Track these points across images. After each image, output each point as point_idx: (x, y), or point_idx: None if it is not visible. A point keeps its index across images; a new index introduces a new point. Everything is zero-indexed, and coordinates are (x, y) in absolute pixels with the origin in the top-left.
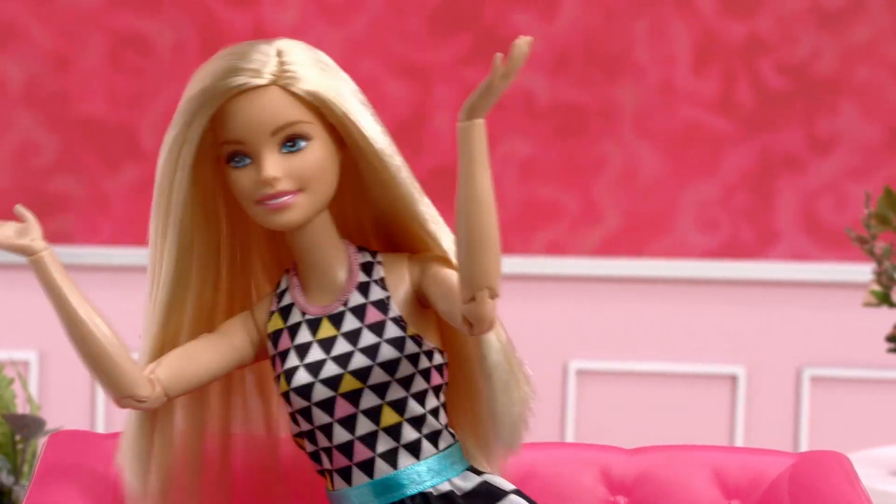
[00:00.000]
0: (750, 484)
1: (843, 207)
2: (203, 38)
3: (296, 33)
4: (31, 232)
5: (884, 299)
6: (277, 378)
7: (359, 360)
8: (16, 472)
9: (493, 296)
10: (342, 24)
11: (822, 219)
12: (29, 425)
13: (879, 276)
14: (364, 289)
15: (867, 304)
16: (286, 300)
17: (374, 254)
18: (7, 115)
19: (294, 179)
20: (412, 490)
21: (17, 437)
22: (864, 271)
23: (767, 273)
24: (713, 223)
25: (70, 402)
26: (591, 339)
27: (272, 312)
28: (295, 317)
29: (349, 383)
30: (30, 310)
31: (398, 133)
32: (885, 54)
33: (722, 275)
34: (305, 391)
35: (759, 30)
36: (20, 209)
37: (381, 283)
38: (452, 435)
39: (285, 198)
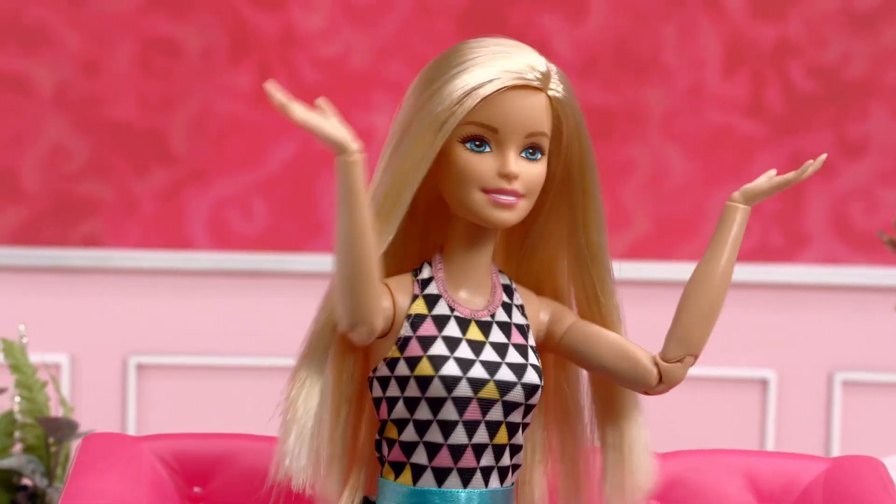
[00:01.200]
0: (783, 489)
1: (874, 211)
2: (232, 42)
3: (324, 36)
4: (345, 128)
5: None
6: (410, 361)
7: (505, 374)
8: (49, 474)
9: (695, 363)
10: (370, 27)
11: (853, 222)
12: (62, 428)
13: None
14: (507, 309)
15: None
16: (431, 289)
17: (510, 280)
18: (37, 118)
19: (523, 184)
20: None
21: (51, 440)
22: (895, 275)
23: (798, 277)
24: None
25: (101, 405)
26: None
27: (415, 296)
28: (442, 309)
29: (490, 391)
30: (61, 313)
31: None
32: None
33: (752, 278)
34: (451, 383)
35: (788, 33)
36: (323, 103)
37: (522, 310)
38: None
39: (514, 198)
